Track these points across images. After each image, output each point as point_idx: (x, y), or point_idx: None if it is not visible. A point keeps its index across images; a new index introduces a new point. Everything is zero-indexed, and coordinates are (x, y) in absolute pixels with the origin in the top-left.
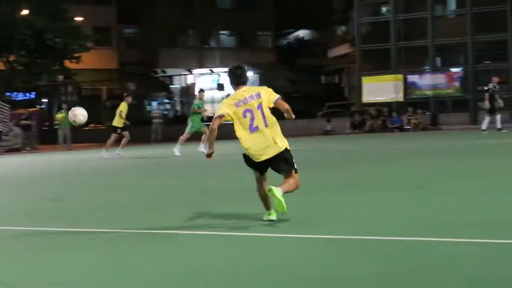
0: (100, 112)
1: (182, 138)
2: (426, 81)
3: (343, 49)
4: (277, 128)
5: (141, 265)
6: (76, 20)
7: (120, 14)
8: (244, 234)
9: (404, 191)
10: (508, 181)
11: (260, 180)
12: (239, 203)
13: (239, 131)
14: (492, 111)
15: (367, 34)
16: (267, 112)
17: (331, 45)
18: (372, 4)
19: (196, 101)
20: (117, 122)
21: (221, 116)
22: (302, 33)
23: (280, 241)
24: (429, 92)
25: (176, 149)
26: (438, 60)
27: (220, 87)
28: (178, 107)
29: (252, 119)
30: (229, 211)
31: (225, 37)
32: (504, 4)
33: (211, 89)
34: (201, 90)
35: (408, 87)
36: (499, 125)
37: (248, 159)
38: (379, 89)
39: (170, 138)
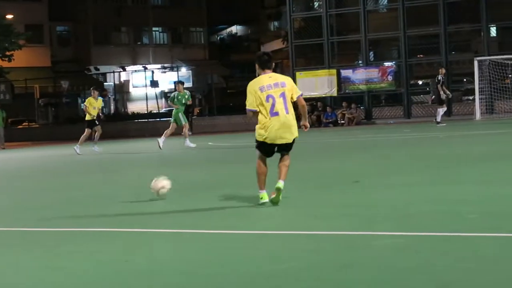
0: (33, 110)
1: (185, 131)
2: (360, 76)
3: (276, 45)
4: (294, 117)
5: (73, 264)
6: (7, 18)
7: (52, 11)
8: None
9: (341, 186)
10: (441, 173)
11: (264, 160)
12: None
13: (260, 115)
14: (441, 102)
15: (300, 29)
16: (289, 101)
17: (264, 40)
18: None
19: (175, 94)
20: (87, 117)
21: (253, 111)
22: (235, 28)
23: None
24: (363, 87)
25: (188, 142)
26: (372, 55)
27: (154, 84)
28: (112, 105)
29: (273, 105)
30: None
31: (158, 33)
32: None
33: (145, 86)
34: (180, 82)
35: (342, 82)
36: (439, 118)
37: (260, 144)
38: (313, 84)
39: (106, 135)
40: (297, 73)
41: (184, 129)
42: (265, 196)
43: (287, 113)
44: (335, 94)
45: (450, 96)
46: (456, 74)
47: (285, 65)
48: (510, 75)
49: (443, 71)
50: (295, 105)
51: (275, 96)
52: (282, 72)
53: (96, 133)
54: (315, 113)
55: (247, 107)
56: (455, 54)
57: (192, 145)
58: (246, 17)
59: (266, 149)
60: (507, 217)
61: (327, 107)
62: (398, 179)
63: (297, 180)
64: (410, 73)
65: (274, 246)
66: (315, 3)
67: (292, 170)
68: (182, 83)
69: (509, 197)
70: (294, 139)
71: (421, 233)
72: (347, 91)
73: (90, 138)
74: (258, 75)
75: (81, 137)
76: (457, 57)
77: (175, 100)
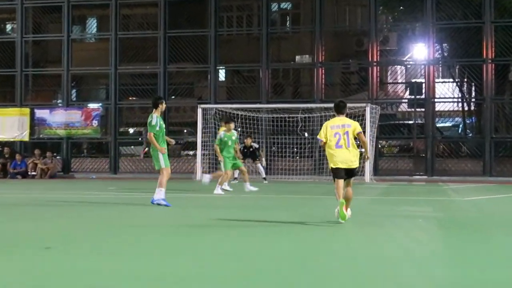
0: None
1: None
2: (59, 118)
3: None
4: (357, 151)
5: None
6: None
7: None
8: None
9: (29, 253)
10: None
11: (339, 183)
12: None
13: (328, 148)
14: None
15: None
16: (351, 138)
17: None
18: None
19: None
20: None
21: (322, 142)
22: None
23: None
24: (61, 132)
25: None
26: (74, 93)
27: None
28: None
29: (339, 140)
30: None
31: None
32: (157, 30)
33: None
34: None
35: (36, 124)
36: (236, 175)
37: (333, 171)
38: (1, 125)
39: None
40: None
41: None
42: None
43: (348, 146)
44: (26, 138)
45: (173, 142)
46: (177, 123)
47: None
48: (239, 128)
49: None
50: None
51: (341, 133)
52: None
53: None
54: (1, 160)
55: (318, 138)
56: (176, 99)
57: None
58: None
59: (335, 170)
60: None
61: (16, 154)
62: (89, 246)
63: None
64: (120, 119)
65: None
66: (7, 25)
67: None
68: None
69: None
70: (355, 170)
71: None
72: (41, 136)
73: None
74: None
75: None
76: (179, 102)
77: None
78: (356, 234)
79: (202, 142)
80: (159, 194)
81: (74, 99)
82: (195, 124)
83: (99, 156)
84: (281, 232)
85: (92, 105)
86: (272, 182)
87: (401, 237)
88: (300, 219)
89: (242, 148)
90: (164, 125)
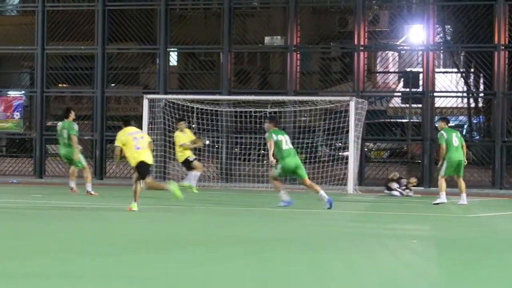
0: None
1: None
2: None
3: None
4: None
5: None
6: None
7: None
8: None
9: None
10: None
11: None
12: None
13: None
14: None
15: None
16: None
17: None
18: None
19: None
20: None
21: None
22: None
23: None
24: None
25: None
26: None
27: None
28: None
29: None
30: None
31: None
32: (94, 1)
33: None
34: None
35: None
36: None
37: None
38: None
39: None
40: None
41: None
42: None
43: None
44: None
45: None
46: (117, 117)
47: None
48: (193, 125)
49: None
50: None
51: None
52: None
53: None
54: None
55: None
56: (117, 88)
57: None
58: None
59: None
60: None
61: None
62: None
63: None
64: (47, 110)
65: None
66: None
67: None
68: None
69: None
70: None
71: None
72: None
73: None
74: None
75: None
76: (120, 91)
77: None
78: (334, 260)
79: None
80: None
81: None
82: (139, 118)
83: (21, 156)
84: (247, 252)
85: (12, 93)
86: (230, 191)
87: (390, 262)
88: (264, 239)
89: None
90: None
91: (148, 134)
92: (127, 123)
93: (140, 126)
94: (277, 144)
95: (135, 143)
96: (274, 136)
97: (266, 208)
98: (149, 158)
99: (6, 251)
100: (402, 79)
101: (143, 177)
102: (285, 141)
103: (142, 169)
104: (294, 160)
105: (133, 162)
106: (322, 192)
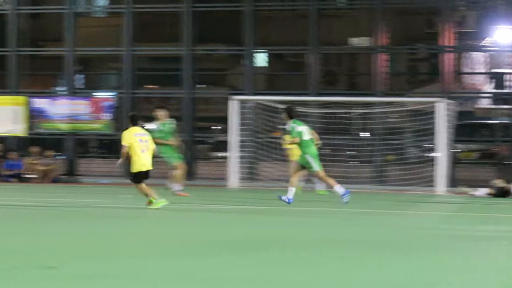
0: None
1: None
2: (61, 109)
3: None
4: None
5: None
6: None
7: None
8: None
9: (29, 273)
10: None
11: None
12: None
13: None
14: None
15: None
16: None
17: None
18: None
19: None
20: None
21: None
22: None
23: None
24: (64, 126)
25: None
26: (80, 79)
27: None
28: None
29: None
30: None
31: None
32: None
33: None
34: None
35: (33, 116)
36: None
37: None
38: None
39: None
40: None
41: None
42: None
43: None
44: (22, 133)
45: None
46: (203, 118)
47: None
48: (280, 126)
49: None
50: None
51: None
52: None
53: None
54: None
55: None
56: (205, 88)
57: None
58: None
59: None
60: None
61: (9, 153)
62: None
63: None
64: (136, 111)
65: None
66: None
67: None
68: None
69: None
70: None
71: None
72: (40, 130)
73: None
74: None
75: None
76: (207, 92)
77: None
78: (425, 261)
79: (237, 141)
80: None
81: (81, 86)
82: (224, 119)
83: (110, 157)
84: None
85: (102, 94)
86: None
87: (484, 264)
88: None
89: None
90: None
91: (237, 135)
92: (134, 122)
93: (226, 127)
94: (299, 136)
95: (140, 145)
96: (296, 127)
97: (356, 209)
98: (150, 164)
99: (82, 250)
100: (490, 80)
101: (139, 183)
102: (306, 132)
103: (143, 177)
104: (314, 150)
105: (137, 167)
106: (292, 188)
